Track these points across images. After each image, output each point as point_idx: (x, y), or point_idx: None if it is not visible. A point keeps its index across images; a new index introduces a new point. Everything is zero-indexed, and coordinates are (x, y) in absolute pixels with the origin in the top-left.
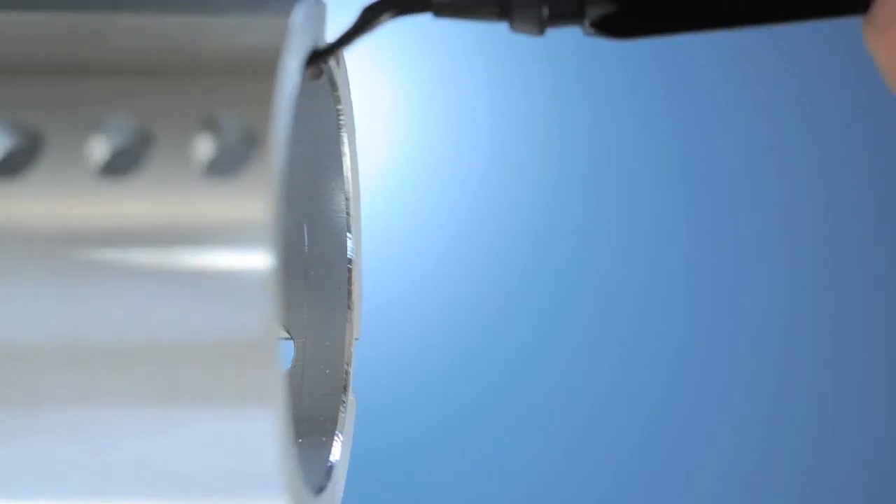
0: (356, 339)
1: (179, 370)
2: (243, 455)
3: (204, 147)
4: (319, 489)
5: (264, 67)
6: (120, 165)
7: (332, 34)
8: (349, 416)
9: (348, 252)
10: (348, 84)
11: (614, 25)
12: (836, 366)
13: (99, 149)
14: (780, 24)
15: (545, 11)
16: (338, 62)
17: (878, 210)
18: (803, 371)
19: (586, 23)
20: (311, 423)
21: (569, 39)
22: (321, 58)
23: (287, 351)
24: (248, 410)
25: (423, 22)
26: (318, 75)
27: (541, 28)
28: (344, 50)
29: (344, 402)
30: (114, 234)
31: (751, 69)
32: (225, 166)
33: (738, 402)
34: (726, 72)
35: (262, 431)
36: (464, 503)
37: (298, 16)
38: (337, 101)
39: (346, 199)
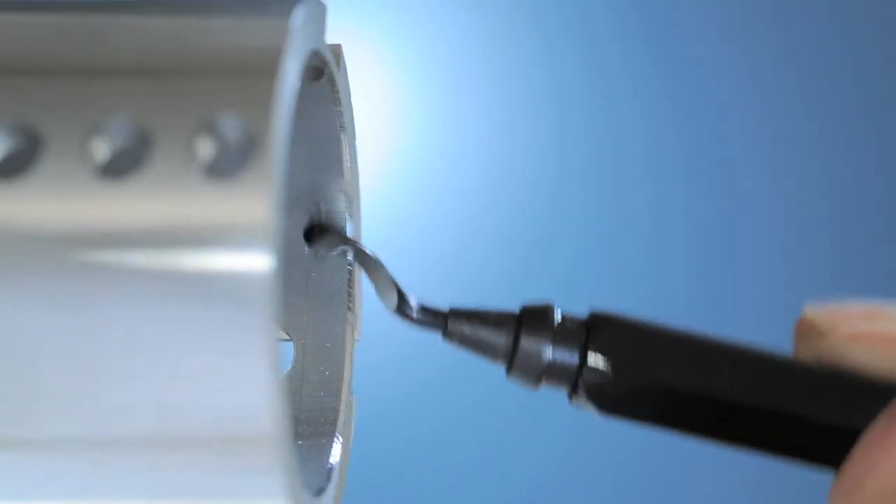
0: (357, 340)
1: (178, 370)
2: (243, 455)
3: (204, 148)
4: (319, 491)
5: (265, 69)
6: (120, 167)
7: (331, 37)
8: (349, 417)
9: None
10: (348, 85)
11: (602, 403)
12: None
13: (99, 150)
14: (759, 454)
15: (542, 378)
16: (338, 63)
17: (879, 208)
18: None
19: (578, 393)
20: (311, 425)
21: (570, 40)
22: (322, 236)
23: (287, 352)
24: (247, 411)
25: (423, 21)
26: (318, 76)
27: (536, 385)
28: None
29: (344, 403)
30: (113, 236)
31: (752, 67)
32: (225, 168)
33: None
34: (727, 71)
35: (262, 433)
36: (464, 503)
37: (299, 17)
38: (337, 101)
39: (347, 200)
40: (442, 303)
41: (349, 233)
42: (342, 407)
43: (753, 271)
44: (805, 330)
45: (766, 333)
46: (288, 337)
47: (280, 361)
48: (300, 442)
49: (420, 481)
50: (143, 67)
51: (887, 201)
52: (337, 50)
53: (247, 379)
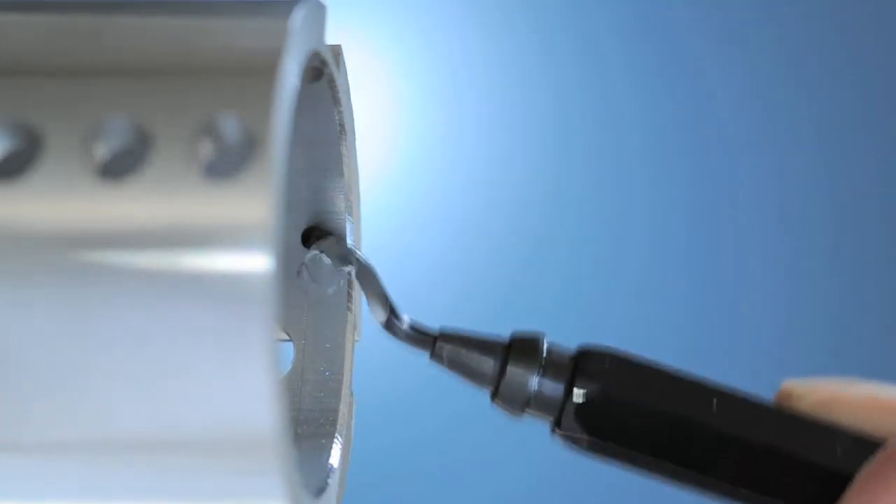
0: (356, 340)
1: (177, 370)
2: (242, 456)
3: (204, 149)
4: (319, 491)
5: (264, 69)
6: (120, 167)
7: (331, 37)
8: (349, 417)
9: None
10: (348, 85)
11: (589, 429)
12: (836, 365)
13: (99, 151)
14: (740, 498)
15: (526, 407)
16: (337, 63)
17: (878, 209)
18: (802, 371)
19: (562, 424)
20: (310, 425)
21: (569, 39)
22: (321, 241)
23: (287, 353)
24: (247, 410)
25: (423, 21)
26: (317, 77)
27: (520, 414)
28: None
29: (344, 403)
30: (114, 236)
31: (752, 67)
32: (225, 168)
33: None
34: (727, 71)
35: (261, 433)
36: (464, 503)
37: (298, 18)
38: (337, 102)
39: (346, 201)
40: (435, 320)
41: (349, 239)
42: (342, 407)
43: (754, 272)
44: (783, 397)
45: (766, 333)
46: (288, 337)
47: (280, 362)
48: (300, 442)
49: (420, 481)
50: (143, 68)
51: (888, 203)
52: (337, 50)
53: (246, 379)
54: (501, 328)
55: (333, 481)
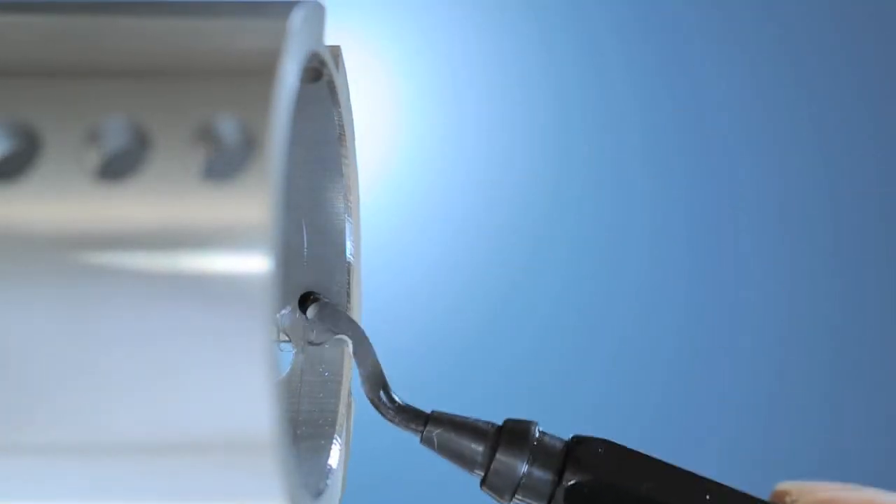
0: None
1: (177, 370)
2: (241, 457)
3: (203, 150)
4: (318, 493)
5: (263, 70)
6: (118, 168)
7: (331, 37)
8: (348, 419)
9: (347, 254)
10: (347, 86)
11: None
12: (836, 364)
13: (97, 152)
14: None
15: (515, 494)
16: (337, 64)
17: (878, 209)
18: (802, 371)
19: None
20: (309, 427)
21: (570, 39)
22: (320, 309)
23: (286, 354)
24: (246, 411)
25: (423, 21)
26: (316, 77)
27: (508, 500)
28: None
29: (343, 404)
30: (112, 238)
31: (752, 67)
32: (224, 169)
33: (738, 399)
34: (727, 71)
35: (260, 434)
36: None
37: (297, 19)
38: (336, 103)
39: (346, 201)
40: (434, 320)
41: (351, 253)
42: (341, 408)
43: (754, 272)
44: (778, 497)
45: (766, 333)
46: (287, 338)
47: (278, 362)
48: (299, 443)
49: (420, 481)
50: (142, 69)
51: (889, 203)
52: (336, 51)
53: (245, 380)
54: (501, 328)
55: (332, 482)
